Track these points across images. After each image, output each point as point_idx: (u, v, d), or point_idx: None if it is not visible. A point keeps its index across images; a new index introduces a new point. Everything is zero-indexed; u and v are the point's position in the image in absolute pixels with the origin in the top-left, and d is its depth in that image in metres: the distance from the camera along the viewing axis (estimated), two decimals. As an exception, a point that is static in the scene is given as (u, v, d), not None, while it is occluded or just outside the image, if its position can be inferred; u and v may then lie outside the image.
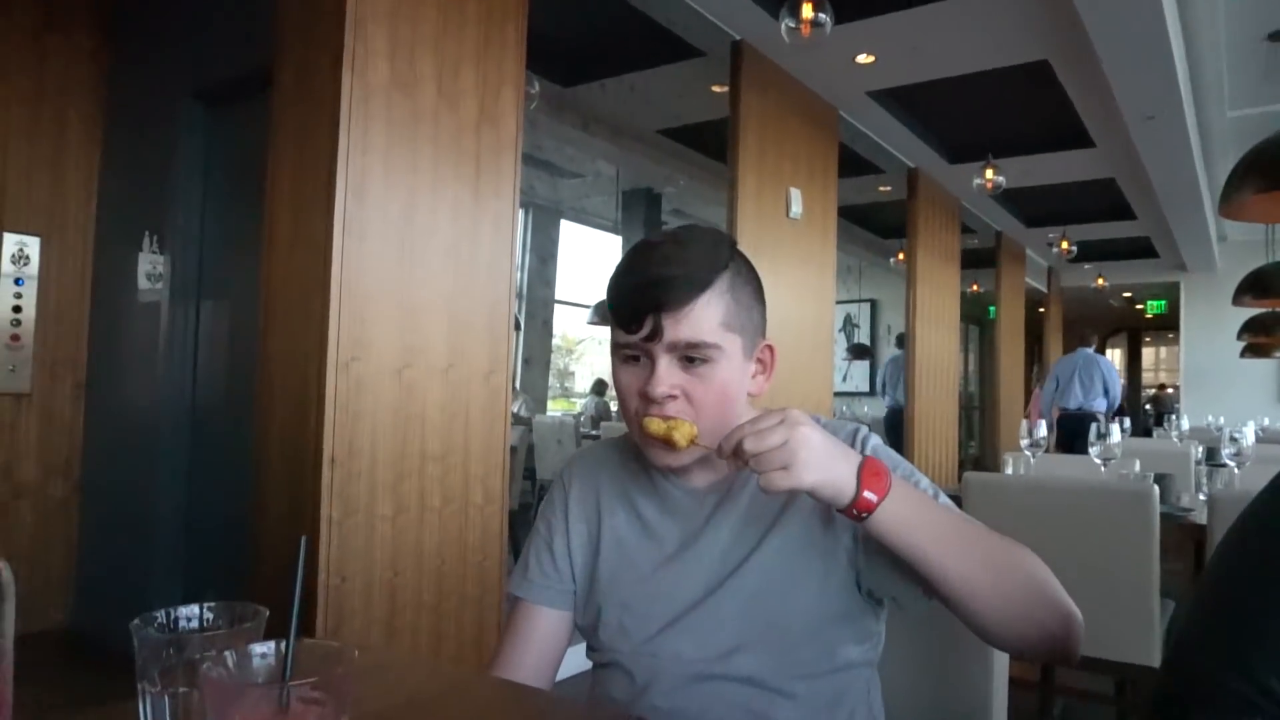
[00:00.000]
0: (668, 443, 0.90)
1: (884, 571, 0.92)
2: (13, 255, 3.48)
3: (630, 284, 0.93)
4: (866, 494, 0.81)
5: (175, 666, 0.61)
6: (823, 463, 0.80)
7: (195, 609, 0.67)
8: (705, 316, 0.91)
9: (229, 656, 0.58)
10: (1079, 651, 0.86)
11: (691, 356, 0.92)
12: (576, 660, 1.05)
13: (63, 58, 3.60)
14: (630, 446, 1.09)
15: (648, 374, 0.93)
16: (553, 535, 1.08)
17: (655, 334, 0.91)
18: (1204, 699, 0.69)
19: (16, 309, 3.48)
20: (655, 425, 0.91)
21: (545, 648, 1.05)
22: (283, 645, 0.57)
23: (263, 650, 0.59)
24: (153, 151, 3.50)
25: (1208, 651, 0.71)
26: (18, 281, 3.49)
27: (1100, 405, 7.08)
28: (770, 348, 1.01)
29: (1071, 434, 6.58)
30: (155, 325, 3.44)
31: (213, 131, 3.47)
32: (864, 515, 0.82)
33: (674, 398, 0.92)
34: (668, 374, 0.92)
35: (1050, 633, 0.84)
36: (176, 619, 0.67)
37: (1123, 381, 9.22)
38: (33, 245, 3.53)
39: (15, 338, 3.48)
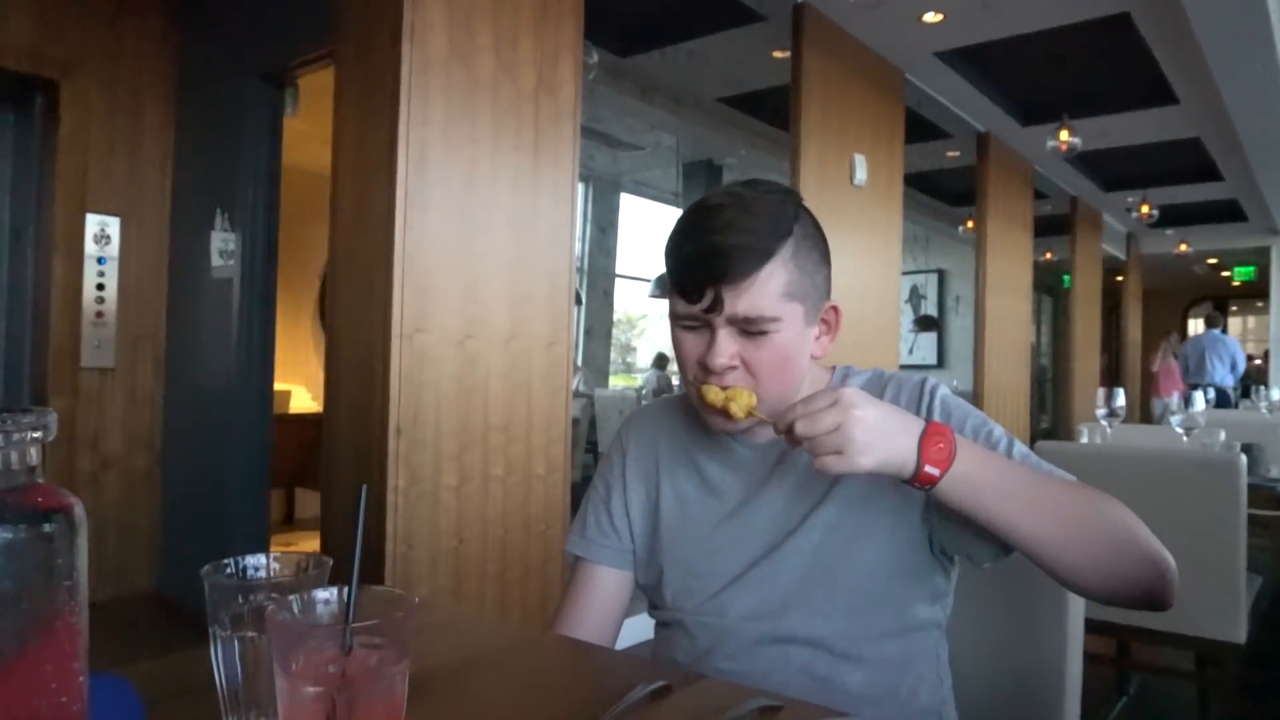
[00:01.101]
0: (725, 413, 0.89)
1: (957, 528, 0.89)
2: (95, 235, 3.62)
3: (690, 252, 0.90)
4: (928, 468, 0.79)
5: (244, 612, 0.63)
6: (878, 444, 0.78)
7: (262, 559, 0.68)
8: (767, 289, 0.89)
9: (294, 601, 0.59)
10: (1173, 598, 0.83)
11: (751, 331, 0.90)
12: (639, 629, 1.05)
13: (136, 41, 3.71)
14: (689, 404, 1.08)
15: (706, 343, 0.91)
16: (610, 495, 1.08)
17: (715, 306, 0.89)
18: None
19: (100, 287, 3.63)
20: (713, 394, 0.90)
21: (605, 607, 1.05)
22: (345, 591, 0.58)
23: (326, 596, 0.60)
24: (222, 131, 3.59)
25: None
26: (100, 261, 3.63)
27: (1229, 381, 7.94)
28: (835, 308, 0.98)
29: None
30: (228, 301, 3.55)
31: (279, 109, 3.55)
32: (927, 487, 0.80)
33: (733, 368, 0.90)
34: (726, 345, 0.90)
35: (1138, 582, 0.82)
36: (245, 568, 0.68)
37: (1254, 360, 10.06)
38: (113, 225, 3.67)
39: (100, 314, 3.62)
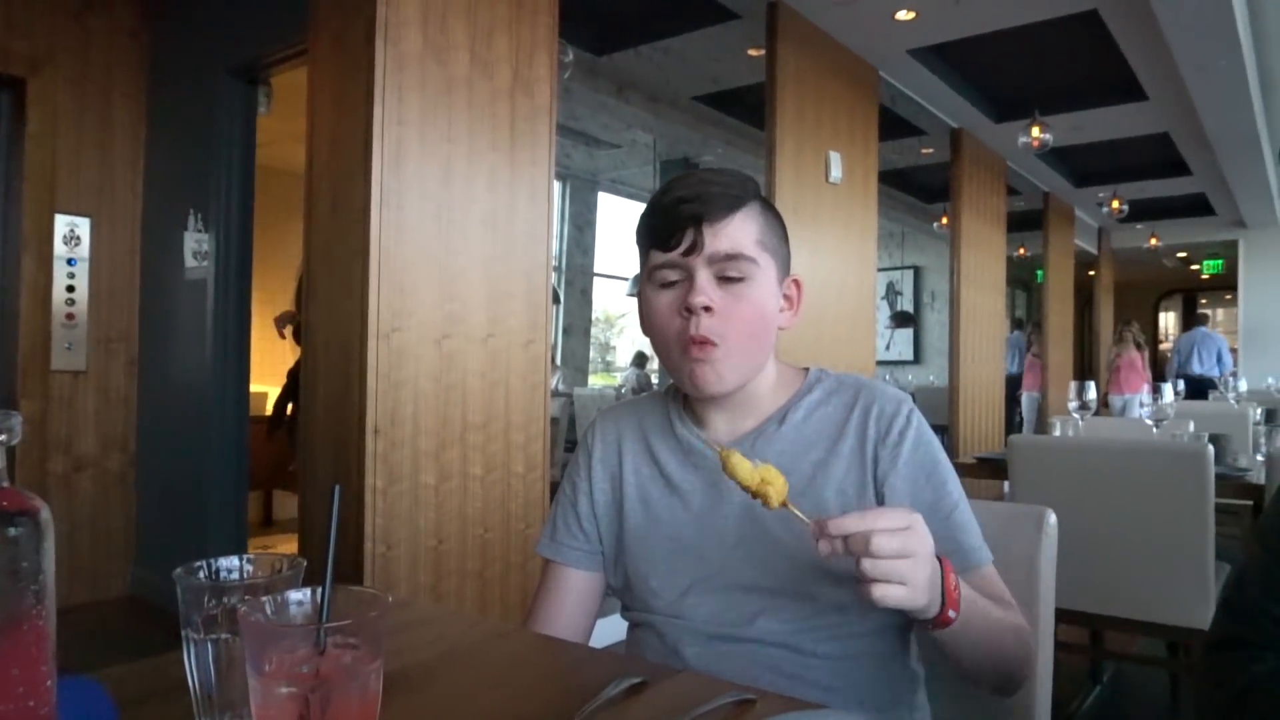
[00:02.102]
0: (757, 496, 0.79)
1: None
2: (64, 236, 3.57)
3: (670, 199, 0.94)
4: (950, 611, 0.78)
5: (217, 613, 0.62)
6: (931, 581, 0.74)
7: (235, 560, 0.68)
8: (744, 230, 0.93)
9: (267, 602, 0.58)
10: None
11: (729, 275, 0.92)
12: (612, 630, 1.05)
13: (105, 37, 3.66)
14: (655, 401, 1.08)
15: (685, 291, 0.92)
16: (577, 496, 1.07)
17: (695, 247, 0.91)
18: (1260, 637, 0.68)
19: (70, 289, 3.58)
20: (745, 471, 0.79)
21: (575, 608, 1.05)
22: (318, 591, 0.58)
23: (299, 597, 0.60)
24: (194, 129, 3.56)
25: (1264, 589, 0.70)
26: (70, 262, 3.59)
27: (1215, 371, 8.55)
28: (796, 282, 1.01)
29: (1193, 395, 8.36)
30: (203, 302, 3.52)
31: (253, 107, 3.51)
32: (935, 629, 0.80)
33: (710, 310, 0.91)
34: (706, 286, 0.91)
35: (1007, 682, 0.92)
36: (218, 570, 0.68)
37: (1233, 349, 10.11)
38: (83, 226, 3.62)
39: (70, 316, 3.58)
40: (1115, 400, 8.04)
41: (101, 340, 3.68)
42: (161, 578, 3.72)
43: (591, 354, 9.33)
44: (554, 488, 3.04)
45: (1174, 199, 9.18)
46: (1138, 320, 9.27)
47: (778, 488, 0.78)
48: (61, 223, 3.55)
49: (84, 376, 3.63)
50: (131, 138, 3.76)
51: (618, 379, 9.95)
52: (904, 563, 0.71)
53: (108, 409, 3.71)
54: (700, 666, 0.93)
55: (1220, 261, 13.18)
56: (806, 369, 1.05)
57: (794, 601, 0.92)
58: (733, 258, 0.91)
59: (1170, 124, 6.30)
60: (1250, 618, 0.71)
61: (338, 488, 0.63)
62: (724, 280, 0.92)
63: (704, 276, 0.91)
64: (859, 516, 0.72)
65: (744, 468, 0.78)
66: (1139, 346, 8.41)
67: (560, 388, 6.97)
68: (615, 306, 11.13)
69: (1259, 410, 3.54)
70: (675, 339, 0.93)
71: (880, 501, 0.95)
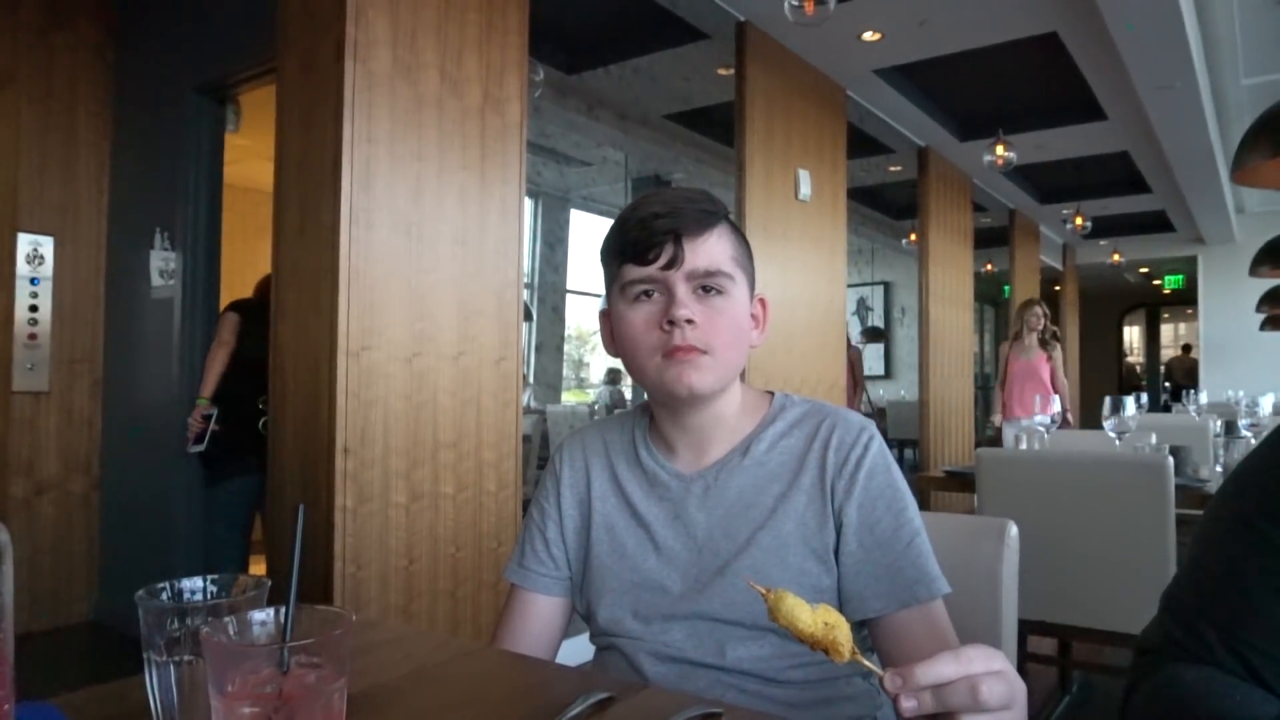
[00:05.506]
0: (819, 647, 0.62)
1: (849, 604, 0.92)
2: (27, 255, 3.51)
3: (647, 214, 0.93)
4: None
5: (180, 635, 0.62)
6: None
7: (199, 581, 0.68)
8: (720, 247, 0.94)
9: (229, 622, 0.58)
10: None
11: (708, 286, 0.93)
12: (576, 652, 1.05)
13: (70, 55, 3.63)
14: (622, 424, 1.08)
15: (664, 305, 0.92)
16: (545, 522, 1.07)
17: (674, 262, 0.92)
18: (1162, 645, 0.70)
19: (33, 308, 3.53)
20: (805, 619, 0.62)
21: (542, 633, 1.04)
22: (282, 611, 0.58)
23: (262, 617, 0.60)
24: (161, 147, 3.53)
25: (1165, 600, 0.72)
26: (33, 281, 3.53)
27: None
28: (762, 301, 1.02)
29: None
30: (169, 321, 3.47)
31: (220, 125, 3.49)
32: None
33: (692, 323, 0.91)
34: (688, 299, 0.92)
35: None
36: (181, 591, 0.67)
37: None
38: (46, 245, 3.57)
39: (33, 336, 3.52)
40: (1006, 429, 5.52)
41: (65, 361, 3.62)
42: (125, 603, 3.63)
43: (564, 371, 9.31)
44: (526, 506, 3.02)
45: (1135, 216, 9.38)
46: (1104, 336, 8.57)
47: (845, 632, 0.62)
48: (24, 241, 3.50)
49: (46, 397, 3.57)
50: (96, 155, 3.72)
51: (591, 396, 9.94)
52: (1009, 715, 0.55)
53: (70, 431, 3.65)
54: (666, 688, 0.93)
55: (1181, 277, 13.47)
56: (771, 393, 1.05)
57: (760, 634, 0.92)
58: (711, 274, 0.92)
59: (1129, 143, 6.45)
60: (1158, 627, 0.73)
61: (302, 507, 0.63)
62: (703, 291, 0.93)
63: (683, 290, 0.92)
64: (952, 658, 0.55)
65: (803, 614, 0.62)
66: (1045, 343, 5.58)
67: (533, 405, 6.95)
68: (588, 323, 11.14)
69: (1218, 422, 3.62)
70: (655, 349, 0.93)
71: (839, 531, 0.94)
